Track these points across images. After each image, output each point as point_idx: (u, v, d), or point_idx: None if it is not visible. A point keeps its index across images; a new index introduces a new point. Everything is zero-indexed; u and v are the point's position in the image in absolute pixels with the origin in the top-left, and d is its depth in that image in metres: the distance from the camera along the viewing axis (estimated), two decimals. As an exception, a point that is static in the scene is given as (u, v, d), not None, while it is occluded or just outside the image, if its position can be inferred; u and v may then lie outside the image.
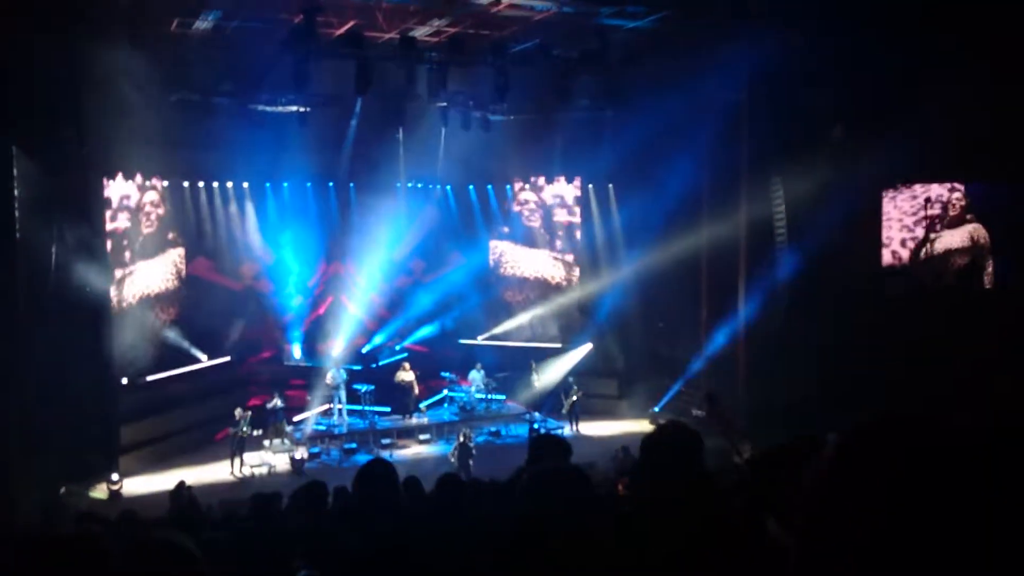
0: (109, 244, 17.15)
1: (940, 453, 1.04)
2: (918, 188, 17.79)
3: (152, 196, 18.83)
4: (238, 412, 17.27)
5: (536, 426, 19.18)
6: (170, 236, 19.44)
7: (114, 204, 17.56)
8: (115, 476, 15.77)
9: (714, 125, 18.33)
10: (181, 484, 13.65)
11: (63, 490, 14.68)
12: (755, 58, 16.00)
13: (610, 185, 22.19)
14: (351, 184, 21.91)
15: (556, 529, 1.95)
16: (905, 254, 18.10)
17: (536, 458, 3.71)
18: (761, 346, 17.78)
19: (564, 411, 19.98)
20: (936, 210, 17.81)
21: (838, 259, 16.82)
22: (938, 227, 17.72)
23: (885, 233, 18.18)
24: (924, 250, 17.84)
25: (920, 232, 17.93)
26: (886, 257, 18.24)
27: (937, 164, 16.91)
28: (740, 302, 18.69)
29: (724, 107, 17.66)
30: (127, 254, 18.01)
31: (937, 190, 17.68)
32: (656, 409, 20.20)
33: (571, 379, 20.56)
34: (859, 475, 1.07)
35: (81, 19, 14.02)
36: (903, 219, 18.10)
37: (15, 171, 13.78)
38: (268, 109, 18.16)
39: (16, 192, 13.77)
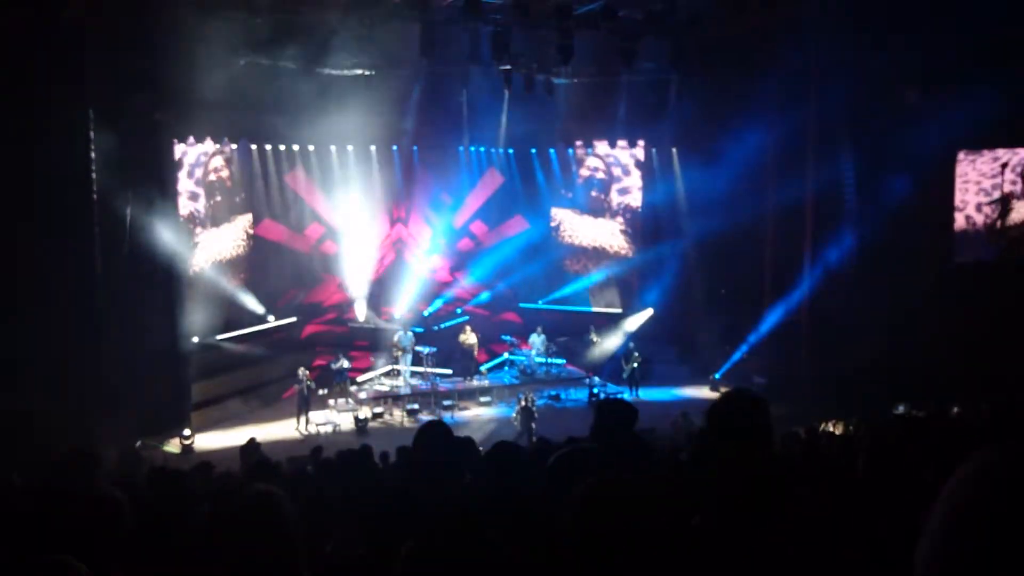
0: (180, 205, 17.59)
1: None
2: (998, 152, 17.19)
3: (220, 159, 19.21)
4: (301, 371, 17.67)
5: (596, 391, 19.25)
6: (238, 199, 19.84)
7: (184, 166, 17.98)
8: (187, 431, 16.30)
9: (781, 87, 17.96)
10: (251, 440, 14.05)
11: (139, 443, 15.23)
12: (824, 17, 15.57)
13: (673, 149, 21.92)
14: (415, 147, 22.04)
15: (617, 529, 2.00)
16: (980, 221, 17.57)
17: (602, 423, 3.74)
18: (825, 314, 17.51)
19: (624, 376, 19.98)
20: (1016, 176, 17.22)
21: (908, 225, 16.41)
22: (1019, 194, 17.12)
23: (959, 198, 17.65)
24: (1000, 219, 17.29)
25: (997, 199, 17.38)
26: (959, 223, 17.73)
27: (1020, 127, 16.31)
28: (805, 269, 18.40)
29: (792, 69, 17.25)
30: (197, 215, 18.45)
31: (1019, 155, 17.07)
32: (717, 376, 20.08)
33: (631, 344, 20.54)
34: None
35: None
36: (980, 184, 17.54)
37: (92, 134, 14.20)
38: (334, 72, 18.31)
39: (93, 155, 14.20)
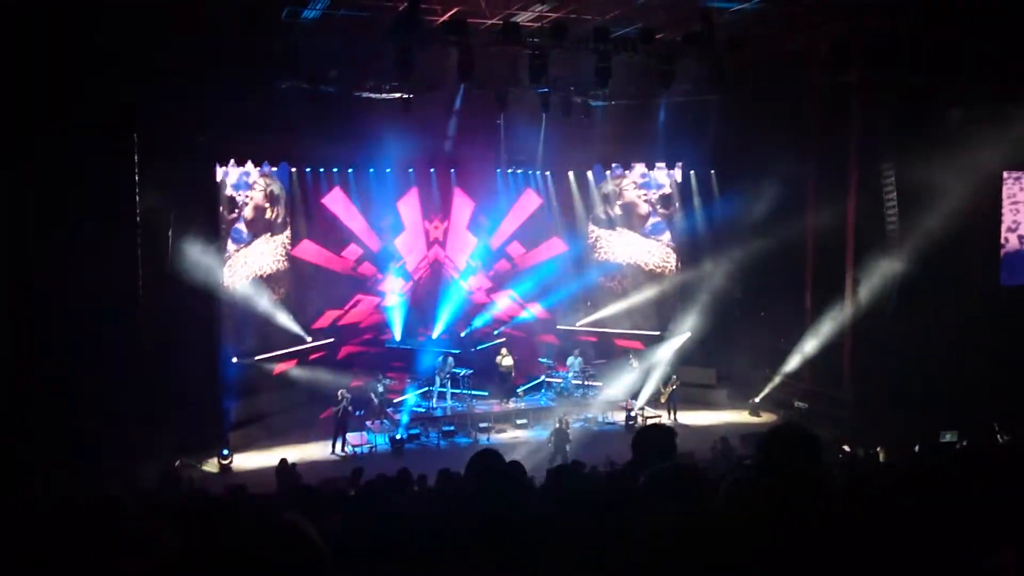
0: (222, 227, 17.83)
1: None
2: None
3: (261, 181, 19.44)
4: (340, 393, 17.72)
5: (633, 414, 19.06)
6: (278, 220, 20.04)
7: (226, 189, 18.24)
8: (225, 451, 16.40)
9: (822, 109, 17.77)
10: (283, 462, 14.11)
11: (178, 463, 15.36)
12: (865, 39, 15.41)
13: (712, 171, 21.76)
14: (452, 170, 22.12)
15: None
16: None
17: (641, 449, 3.67)
18: (868, 337, 17.20)
19: (662, 400, 19.78)
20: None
21: (953, 247, 16.09)
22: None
23: (1006, 220, 17.31)
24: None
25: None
26: (1005, 245, 17.39)
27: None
28: (847, 291, 18.12)
29: (833, 90, 17.08)
30: (238, 237, 18.67)
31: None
32: (757, 400, 19.80)
33: (669, 367, 20.32)
34: None
35: (196, 11, 14.53)
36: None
37: (136, 157, 14.47)
38: (373, 96, 18.48)
39: (137, 178, 14.46)
